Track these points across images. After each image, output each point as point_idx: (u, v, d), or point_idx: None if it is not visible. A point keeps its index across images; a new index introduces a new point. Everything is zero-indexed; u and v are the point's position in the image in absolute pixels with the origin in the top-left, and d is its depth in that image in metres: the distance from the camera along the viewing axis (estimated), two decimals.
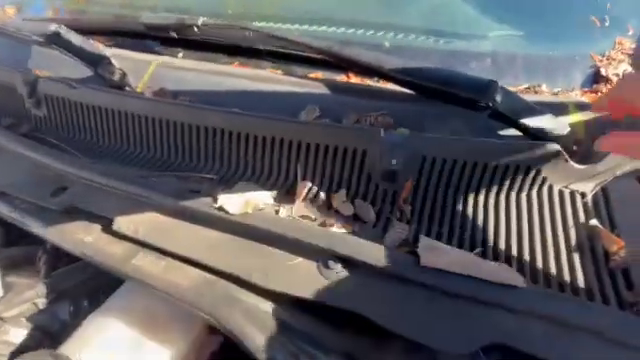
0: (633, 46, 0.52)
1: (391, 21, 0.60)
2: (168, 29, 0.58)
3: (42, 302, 0.42)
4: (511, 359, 0.28)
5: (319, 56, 0.52)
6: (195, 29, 0.56)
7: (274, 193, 0.41)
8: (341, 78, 0.53)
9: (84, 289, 0.44)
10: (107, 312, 0.38)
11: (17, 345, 0.41)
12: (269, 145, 0.43)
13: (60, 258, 0.46)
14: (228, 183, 0.42)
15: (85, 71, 0.54)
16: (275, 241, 0.35)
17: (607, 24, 0.54)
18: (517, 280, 0.30)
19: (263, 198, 0.39)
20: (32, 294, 0.41)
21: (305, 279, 0.32)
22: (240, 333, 0.30)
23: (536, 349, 0.27)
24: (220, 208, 0.36)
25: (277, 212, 0.38)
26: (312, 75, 0.54)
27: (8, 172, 0.46)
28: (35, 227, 0.41)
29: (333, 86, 0.50)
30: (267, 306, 0.32)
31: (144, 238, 0.36)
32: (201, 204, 0.37)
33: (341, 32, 0.61)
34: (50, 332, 0.42)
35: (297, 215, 0.38)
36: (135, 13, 0.69)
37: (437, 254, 0.32)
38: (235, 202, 0.37)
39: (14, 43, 0.63)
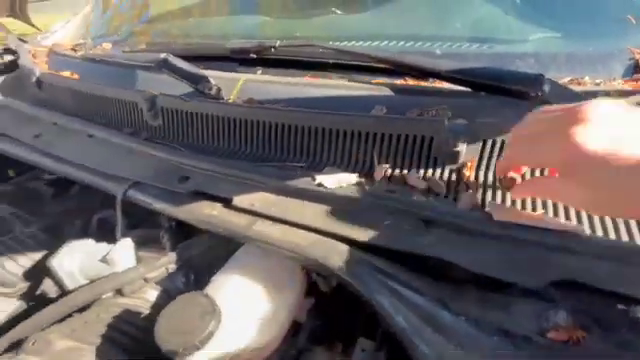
0: None
1: (439, 33, 0.69)
2: (249, 52, 0.70)
3: (172, 268, 0.53)
4: (578, 292, 0.34)
5: (380, 65, 0.62)
6: (272, 50, 0.68)
7: (356, 175, 0.49)
8: (400, 82, 0.62)
9: (204, 259, 0.54)
10: (229, 271, 0.47)
11: (153, 303, 0.52)
12: (349, 138, 0.52)
13: (179, 236, 0.57)
14: (316, 169, 0.52)
15: (188, 89, 0.67)
16: (368, 208, 0.43)
17: None
18: (578, 228, 0.36)
19: (349, 178, 0.48)
20: (165, 260, 0.52)
21: (400, 236, 0.40)
22: (350, 277, 0.38)
23: (601, 283, 0.33)
24: (319, 184, 0.46)
25: (362, 187, 0.46)
26: (375, 82, 0.63)
27: (138, 167, 0.58)
28: (167, 208, 0.51)
29: (395, 88, 0.59)
30: (371, 257, 0.39)
31: (260, 210, 0.46)
32: (303, 182, 0.47)
33: (393, 45, 0.71)
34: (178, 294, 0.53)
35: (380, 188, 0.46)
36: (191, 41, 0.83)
37: (506, 211, 0.38)
38: (329, 180, 0.46)
39: (124, 71, 0.78)
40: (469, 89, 0.54)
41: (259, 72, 0.72)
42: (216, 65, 0.74)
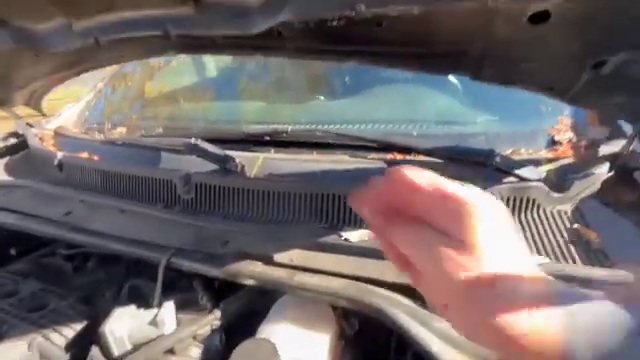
0: (570, 120, 0.82)
1: (413, 117, 0.90)
2: (264, 135, 0.86)
3: (216, 325, 0.59)
4: None
5: (373, 144, 0.79)
6: (284, 134, 0.85)
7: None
8: (389, 156, 0.79)
9: (241, 315, 0.61)
10: (274, 321, 0.55)
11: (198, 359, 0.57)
12: None
13: (217, 297, 0.64)
14: (336, 228, 0.64)
15: (209, 166, 0.79)
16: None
17: (550, 109, 0.84)
18: (541, 259, 0.51)
19: (368, 234, 0.61)
20: (211, 318, 0.59)
21: None
22: (384, 312, 0.48)
23: None
24: (345, 239, 0.58)
25: None
26: (369, 157, 0.80)
27: (177, 235, 0.67)
28: (211, 270, 0.60)
29: (386, 161, 0.76)
30: (394, 295, 0.51)
31: (299, 264, 0.56)
32: (331, 238, 0.59)
33: (377, 127, 0.90)
34: (215, 352, 0.58)
35: None
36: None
37: None
38: (353, 235, 0.59)
39: (151, 153, 0.90)
40: (442, 161, 0.72)
41: (272, 152, 0.88)
42: (232, 146, 0.88)
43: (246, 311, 0.61)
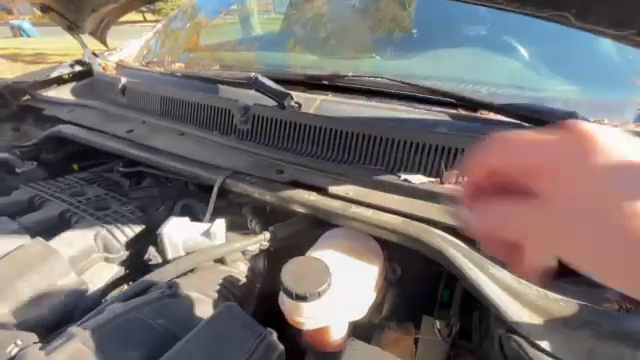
0: None
1: (477, 77, 0.84)
2: (323, 78, 0.84)
3: (264, 245, 0.61)
4: None
5: (436, 97, 0.75)
6: (345, 79, 0.82)
7: (427, 177, 0.60)
8: (454, 112, 0.75)
9: (289, 242, 0.62)
10: (319, 249, 0.56)
11: (246, 274, 0.59)
12: (420, 149, 0.63)
13: (266, 222, 0.66)
14: (393, 171, 0.62)
15: (268, 103, 0.79)
16: (446, 200, 0.53)
17: None
18: None
19: (424, 179, 0.59)
20: (261, 237, 0.60)
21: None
22: (443, 253, 0.47)
23: None
24: (405, 180, 0.56)
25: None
26: (433, 109, 0.77)
27: (234, 160, 0.68)
28: (266, 194, 0.61)
29: (452, 116, 0.72)
30: (453, 238, 0.49)
31: (355, 197, 0.56)
32: (390, 178, 0.57)
33: (442, 84, 0.85)
34: (260, 272, 0.60)
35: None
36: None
37: None
38: (412, 177, 0.57)
39: (211, 85, 0.91)
40: (513, 120, 0.67)
41: (330, 95, 0.86)
42: (291, 87, 0.87)
43: (295, 240, 0.62)
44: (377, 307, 0.57)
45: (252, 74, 0.81)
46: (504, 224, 0.22)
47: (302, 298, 0.43)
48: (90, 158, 0.96)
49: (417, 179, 0.57)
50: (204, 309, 0.48)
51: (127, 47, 1.47)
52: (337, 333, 0.53)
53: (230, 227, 0.67)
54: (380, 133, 0.66)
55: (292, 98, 0.78)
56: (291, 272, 0.46)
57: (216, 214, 0.70)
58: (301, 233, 0.61)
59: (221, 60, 1.17)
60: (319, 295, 0.44)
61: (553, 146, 0.21)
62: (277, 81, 0.87)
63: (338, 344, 0.53)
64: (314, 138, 0.71)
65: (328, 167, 0.62)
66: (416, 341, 0.51)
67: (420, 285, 0.64)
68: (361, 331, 0.56)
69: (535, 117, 0.64)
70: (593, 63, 0.81)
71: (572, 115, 0.61)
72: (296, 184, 0.60)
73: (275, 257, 0.64)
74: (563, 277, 0.46)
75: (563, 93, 0.77)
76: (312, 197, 0.58)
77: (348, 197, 0.56)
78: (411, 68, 0.95)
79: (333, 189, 0.58)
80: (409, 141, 0.64)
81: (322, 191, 0.58)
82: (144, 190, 0.83)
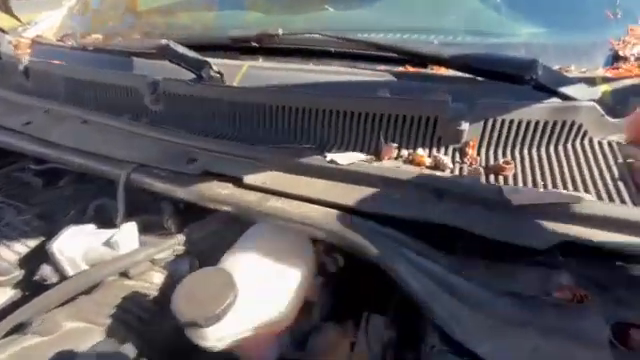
0: None
1: (434, 25, 0.72)
2: (251, 40, 0.71)
3: (179, 250, 0.52)
4: (579, 257, 0.37)
5: (381, 53, 0.64)
6: (275, 38, 0.69)
7: (364, 155, 0.51)
8: (401, 70, 0.64)
9: (209, 243, 0.53)
10: (239, 249, 0.47)
11: (160, 286, 0.51)
12: (355, 120, 0.53)
13: (184, 220, 0.56)
14: (323, 151, 0.53)
15: (190, 75, 0.66)
16: (379, 182, 0.44)
17: (619, 16, 0.65)
18: (583, 197, 0.39)
19: (358, 157, 0.49)
20: (173, 242, 0.51)
21: (412, 206, 0.41)
22: (366, 246, 0.39)
23: (599, 244, 0.36)
24: (331, 161, 0.47)
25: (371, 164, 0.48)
26: (377, 68, 0.65)
27: (141, 150, 0.57)
28: (174, 190, 0.51)
29: (397, 74, 0.61)
30: (384, 228, 0.41)
31: (272, 187, 0.46)
32: (314, 160, 0.47)
33: (392, 37, 0.73)
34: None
35: (388, 165, 0.48)
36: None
37: (520, 194, 0.40)
38: (340, 157, 0.47)
39: (122, 58, 0.76)
40: (467, 74, 0.56)
41: (260, 60, 0.73)
42: (217, 54, 0.74)
43: (217, 241, 0.53)
44: (312, 306, 0.50)
45: (163, 41, 0.67)
46: None
47: (197, 324, 0.35)
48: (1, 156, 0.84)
49: (346, 159, 0.47)
50: (90, 341, 0.39)
51: (46, 19, 1.26)
52: (265, 343, 0.46)
53: (146, 228, 0.57)
54: (310, 104, 0.55)
55: (212, 67, 0.65)
56: (185, 292, 0.37)
57: (134, 212, 0.60)
58: (221, 232, 0.53)
59: (149, 26, 1.01)
60: (218, 318, 0.36)
61: None
62: (199, 47, 0.74)
63: (266, 353, 0.46)
64: (234, 115, 0.60)
65: (249, 151, 0.52)
66: (353, 344, 0.45)
67: (369, 276, 0.57)
68: (298, 334, 0.50)
69: (491, 69, 0.53)
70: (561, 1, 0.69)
71: (533, 64, 0.51)
72: (208, 175, 0.51)
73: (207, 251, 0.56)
74: None
75: (525, 37, 0.66)
76: (225, 190, 0.48)
77: (265, 187, 0.47)
78: (364, 19, 0.81)
79: (249, 178, 0.48)
80: (343, 110, 0.54)
81: (237, 182, 0.49)
82: (60, 190, 0.72)
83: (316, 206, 0.44)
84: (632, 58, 0.59)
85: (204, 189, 0.49)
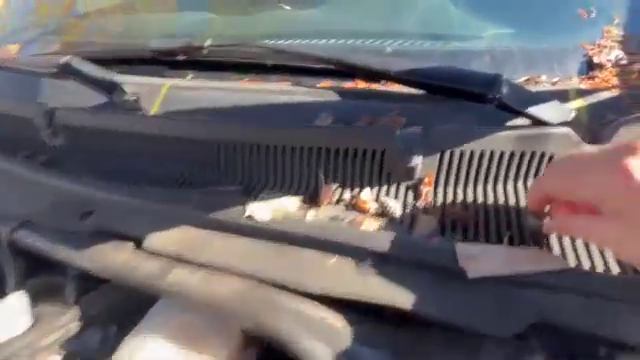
0: (621, 33, 0.55)
1: (389, 29, 0.63)
2: (176, 53, 0.60)
3: (75, 327, 0.42)
4: (556, 336, 0.29)
5: (325, 66, 0.54)
6: (204, 51, 0.58)
7: (299, 198, 0.41)
8: (349, 85, 0.55)
9: (114, 313, 0.43)
10: (143, 332, 0.37)
11: None
12: (289, 154, 0.44)
13: (88, 285, 0.46)
14: (252, 193, 0.43)
15: (99, 99, 0.55)
16: (307, 244, 0.35)
17: (593, 15, 0.57)
18: (560, 263, 0.31)
19: (289, 204, 0.40)
20: (65, 320, 0.41)
21: (342, 279, 0.32)
22: (285, 337, 0.30)
23: (578, 323, 0.28)
24: (249, 217, 0.37)
25: (305, 216, 0.39)
26: (321, 85, 0.56)
27: (30, 201, 0.46)
28: (63, 253, 0.41)
29: (343, 93, 0.52)
30: (309, 308, 0.32)
31: (177, 253, 0.37)
32: (230, 214, 0.38)
33: (341, 43, 0.64)
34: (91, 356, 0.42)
35: (324, 217, 0.39)
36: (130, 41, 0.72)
37: (478, 261, 0.32)
38: (263, 210, 0.38)
39: (24, 78, 0.64)
40: (424, 92, 0.48)
41: (189, 77, 0.62)
42: (140, 70, 0.63)
43: (123, 309, 0.43)
44: None
45: (68, 57, 0.55)
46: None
47: None
48: None
49: (271, 210, 0.38)
50: None
51: None
52: None
53: (48, 291, 0.47)
54: (233, 137, 0.45)
55: (123, 90, 0.54)
56: None
57: (35, 273, 0.50)
58: (122, 305, 0.43)
59: (76, 32, 0.88)
60: None
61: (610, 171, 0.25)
62: (121, 62, 0.63)
63: None
64: (147, 152, 0.49)
65: (156, 198, 0.42)
66: None
67: None
68: None
69: (448, 87, 0.45)
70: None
71: (496, 81, 0.42)
72: (103, 234, 0.40)
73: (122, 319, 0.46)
74: None
75: (490, 41, 0.57)
76: (121, 256, 0.38)
77: (170, 253, 0.37)
78: (318, 20, 0.71)
79: (151, 241, 0.38)
80: (273, 144, 0.44)
81: (137, 243, 0.39)
82: None
83: (229, 278, 0.34)
84: (609, 65, 0.52)
85: (95, 254, 0.39)
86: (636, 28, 0.55)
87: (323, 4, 0.75)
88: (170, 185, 0.47)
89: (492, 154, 0.40)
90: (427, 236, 0.35)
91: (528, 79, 0.52)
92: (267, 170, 0.45)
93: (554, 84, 0.52)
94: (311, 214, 0.39)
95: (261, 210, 0.38)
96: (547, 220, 0.34)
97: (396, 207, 0.39)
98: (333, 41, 0.64)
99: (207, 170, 0.47)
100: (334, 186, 0.42)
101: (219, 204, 0.40)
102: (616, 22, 0.56)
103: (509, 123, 0.46)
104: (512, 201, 0.40)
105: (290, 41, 0.66)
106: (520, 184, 0.41)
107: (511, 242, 0.35)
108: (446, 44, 0.59)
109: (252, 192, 0.44)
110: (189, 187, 0.46)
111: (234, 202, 0.40)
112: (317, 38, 0.65)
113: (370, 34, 0.62)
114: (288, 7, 0.79)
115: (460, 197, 0.41)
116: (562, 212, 0.32)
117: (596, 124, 0.45)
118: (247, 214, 0.37)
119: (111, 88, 0.54)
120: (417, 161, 0.40)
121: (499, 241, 0.35)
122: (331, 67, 0.54)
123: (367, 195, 0.41)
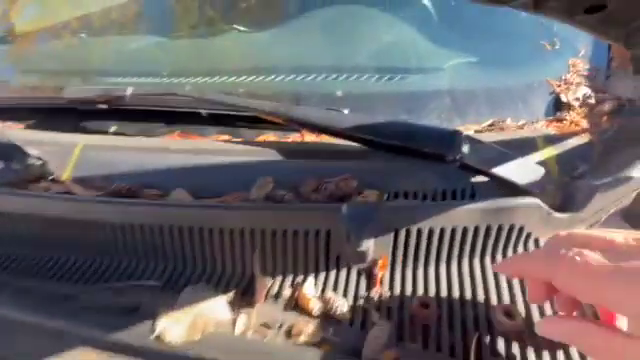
0: (587, 67, 0.51)
1: (341, 64, 0.57)
2: (95, 102, 0.52)
3: None
4: None
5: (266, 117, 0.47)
6: (126, 99, 0.50)
7: (230, 296, 0.34)
8: (294, 138, 0.48)
9: None
10: None
11: None
12: (217, 237, 0.37)
13: None
14: (174, 289, 0.35)
15: None
16: None
17: (557, 47, 0.53)
18: None
19: (216, 308, 0.33)
20: None
21: None
22: None
23: None
24: (158, 337, 0.30)
25: (234, 324, 0.32)
26: (262, 138, 0.49)
27: None
28: None
29: (286, 149, 0.45)
30: None
31: None
32: (136, 335, 0.30)
33: (290, 80, 0.57)
34: None
35: (258, 324, 0.32)
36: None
37: None
38: (179, 324, 0.30)
39: None
40: (368, 149, 0.42)
41: (113, 128, 0.54)
42: (54, 122, 0.54)
43: None
44: None
45: None
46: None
47: None
48: None
49: (183, 328, 0.30)
50: None
51: None
52: None
53: None
54: (150, 218, 0.37)
55: (27, 154, 0.45)
56: None
57: None
58: None
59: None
60: None
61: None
62: (35, 112, 0.54)
63: None
64: (40, 237, 0.40)
65: (47, 310, 0.34)
66: None
67: None
68: None
69: (403, 146, 0.39)
70: (487, 29, 0.56)
71: (455, 140, 0.36)
72: None
73: None
74: None
75: (450, 79, 0.52)
76: None
77: None
78: (253, 56, 0.64)
79: None
80: (198, 227, 0.37)
81: None
82: None
83: None
84: (576, 104, 0.47)
85: None
86: (601, 61, 0.51)
87: (275, 31, 0.68)
88: (75, 278, 0.38)
89: (454, 230, 0.34)
90: (379, 351, 0.29)
91: (492, 124, 0.47)
92: (194, 257, 0.38)
93: (520, 127, 0.47)
94: (241, 322, 0.32)
95: (176, 324, 0.30)
96: (545, 320, 0.25)
97: (344, 307, 0.32)
98: (281, 77, 0.58)
99: (123, 258, 0.39)
100: (269, 281, 0.35)
101: (127, 312, 0.32)
102: (581, 54, 0.52)
103: (474, 180, 0.40)
104: (479, 283, 0.34)
105: (232, 79, 0.59)
106: (487, 259, 0.36)
107: (479, 344, 0.30)
108: (403, 79, 0.54)
109: (173, 287, 0.36)
110: (100, 278, 0.38)
111: (145, 309, 0.32)
112: (262, 74, 0.58)
113: (319, 69, 0.56)
114: (241, 27, 0.72)
115: (420, 280, 0.35)
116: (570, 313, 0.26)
117: (567, 176, 0.40)
118: (157, 332, 0.30)
119: (10, 152, 0.45)
120: (368, 244, 0.34)
121: (465, 347, 0.29)
122: (270, 118, 0.47)
123: (310, 289, 0.34)
